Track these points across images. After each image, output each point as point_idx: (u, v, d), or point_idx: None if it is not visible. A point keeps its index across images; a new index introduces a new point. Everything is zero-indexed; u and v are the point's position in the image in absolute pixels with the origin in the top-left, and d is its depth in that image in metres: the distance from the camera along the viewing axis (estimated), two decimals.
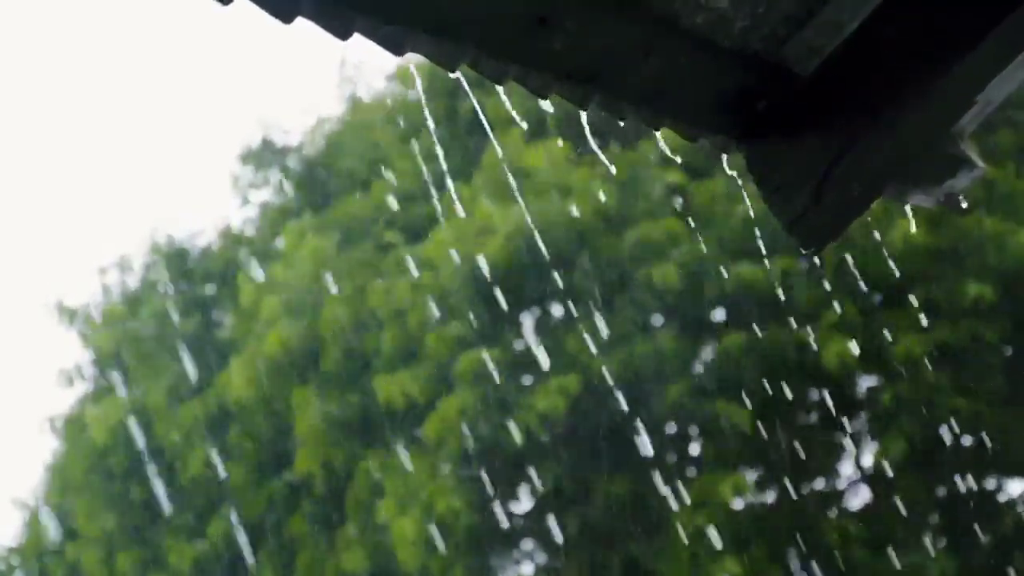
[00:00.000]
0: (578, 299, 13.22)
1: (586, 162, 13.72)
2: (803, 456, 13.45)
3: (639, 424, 12.43)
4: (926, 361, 12.64)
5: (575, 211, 13.15)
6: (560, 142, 13.34)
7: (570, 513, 13.19)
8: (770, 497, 13.79)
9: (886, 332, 12.66)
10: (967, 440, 13.52)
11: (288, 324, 14.39)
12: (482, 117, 14.69)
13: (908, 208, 2.66)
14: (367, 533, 13.82)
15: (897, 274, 12.62)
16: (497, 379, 12.82)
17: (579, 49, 1.98)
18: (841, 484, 14.08)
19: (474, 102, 14.13)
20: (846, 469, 14.09)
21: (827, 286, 12.93)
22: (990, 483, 13.98)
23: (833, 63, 2.30)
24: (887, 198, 2.58)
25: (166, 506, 15.54)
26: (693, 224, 13.36)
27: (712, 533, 12.50)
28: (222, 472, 15.03)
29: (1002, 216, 13.16)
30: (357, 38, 1.86)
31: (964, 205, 2.67)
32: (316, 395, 14.14)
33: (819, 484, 14.02)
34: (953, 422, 12.86)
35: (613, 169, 13.76)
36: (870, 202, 2.43)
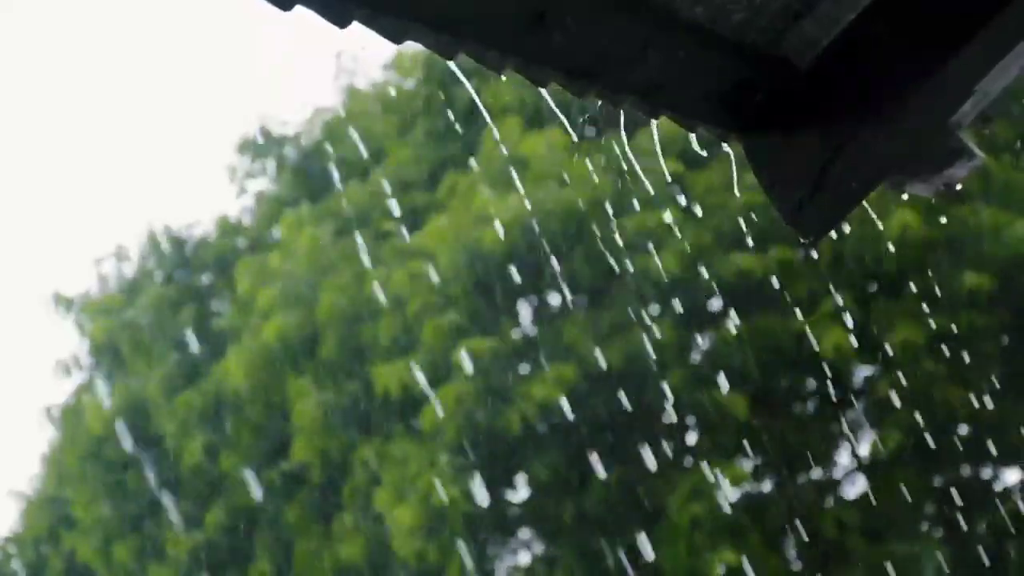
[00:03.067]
0: (576, 288, 13.22)
1: (584, 150, 13.69)
2: (800, 446, 13.47)
3: (636, 414, 12.42)
4: (923, 351, 12.66)
5: (573, 199, 13.12)
6: (562, 127, 13.30)
7: (567, 502, 13.20)
8: (767, 486, 13.80)
9: (883, 322, 12.67)
10: (964, 430, 13.54)
11: (285, 314, 14.38)
12: (480, 105, 14.65)
13: (905, 198, 2.67)
14: (364, 522, 13.82)
15: (894, 264, 12.63)
16: (495, 368, 12.83)
17: (578, 44, 1.99)
18: (838, 473, 14.10)
19: (471, 90, 14.11)
20: (843, 459, 14.11)
21: (824, 276, 12.93)
22: (986, 473, 14.00)
23: (831, 55, 2.31)
24: (885, 188, 2.58)
25: (163, 496, 15.54)
26: (690, 214, 13.36)
27: (709, 522, 12.51)
28: (219, 462, 15.04)
29: (999, 206, 13.17)
30: (356, 27, 1.87)
31: (959, 188, 2.69)
32: (313, 384, 14.13)
33: (816, 474, 14.03)
34: (950, 412, 12.87)
35: (620, 154, 13.68)
36: (869, 192, 2.44)
